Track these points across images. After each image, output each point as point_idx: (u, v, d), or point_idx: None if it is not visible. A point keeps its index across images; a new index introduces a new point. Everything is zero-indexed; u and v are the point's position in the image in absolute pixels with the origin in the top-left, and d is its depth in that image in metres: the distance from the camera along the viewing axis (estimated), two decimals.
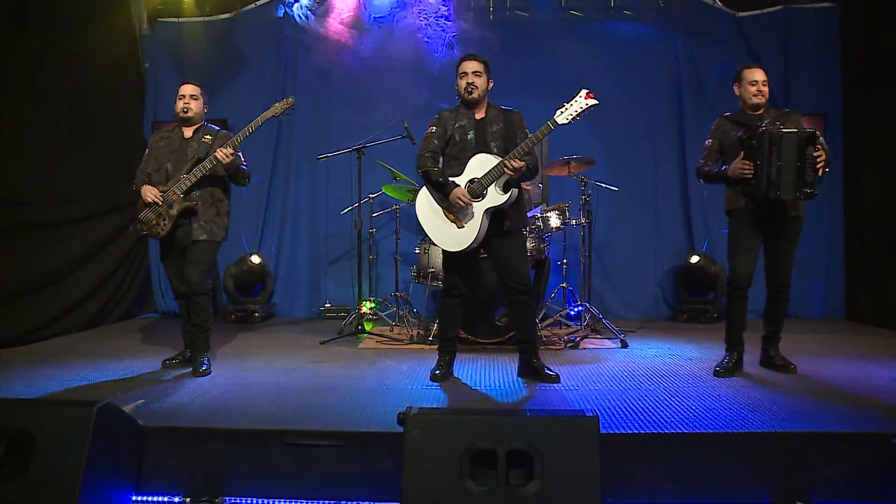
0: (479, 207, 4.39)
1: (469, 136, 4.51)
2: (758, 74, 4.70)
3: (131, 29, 7.85)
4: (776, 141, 4.38)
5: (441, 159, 4.60)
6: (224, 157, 4.63)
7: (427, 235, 4.66)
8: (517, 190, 4.45)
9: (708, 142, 4.88)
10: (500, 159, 4.32)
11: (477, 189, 4.38)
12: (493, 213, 4.44)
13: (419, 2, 7.77)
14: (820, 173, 4.38)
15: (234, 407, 3.97)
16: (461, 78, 4.52)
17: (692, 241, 7.76)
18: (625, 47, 7.80)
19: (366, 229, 6.84)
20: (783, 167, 4.37)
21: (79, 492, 2.88)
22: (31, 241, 6.26)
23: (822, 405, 3.96)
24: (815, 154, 4.35)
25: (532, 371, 4.65)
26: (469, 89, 4.49)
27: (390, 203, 7.01)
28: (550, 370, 4.63)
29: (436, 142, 4.54)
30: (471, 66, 4.50)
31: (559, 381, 4.55)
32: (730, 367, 4.77)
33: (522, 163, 4.28)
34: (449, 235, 4.49)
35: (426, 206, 4.59)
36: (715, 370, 4.78)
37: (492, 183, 4.36)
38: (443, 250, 4.66)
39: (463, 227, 4.42)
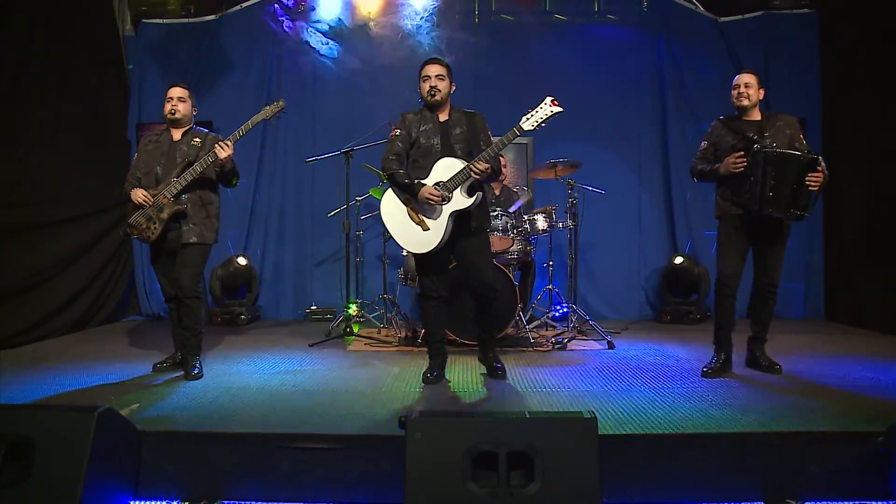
0: (445, 210, 4.46)
1: (434, 140, 4.57)
2: (742, 78, 4.82)
3: (115, 30, 7.82)
4: (771, 160, 4.49)
5: (406, 162, 4.65)
6: (222, 150, 4.63)
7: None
8: (482, 193, 4.54)
9: (703, 143, 4.96)
10: (466, 163, 4.39)
11: (443, 192, 4.44)
12: (459, 216, 4.52)
13: (405, 5, 7.79)
14: (810, 189, 4.46)
15: (230, 410, 3.98)
16: (424, 81, 4.59)
17: (675, 243, 7.86)
18: (609, 51, 7.89)
19: (352, 231, 6.86)
20: (777, 186, 4.48)
21: (80, 497, 2.87)
22: (15, 243, 6.21)
23: (810, 405, 4.03)
24: (813, 177, 4.44)
25: (484, 362, 4.93)
26: (432, 92, 4.55)
27: (377, 205, 6.99)
28: (499, 366, 4.84)
29: (400, 144, 4.60)
30: (433, 69, 4.58)
31: (505, 378, 4.76)
32: (717, 368, 4.83)
33: (488, 165, 4.36)
34: (414, 237, 4.54)
35: (392, 209, 4.65)
36: (703, 371, 4.84)
37: (457, 186, 4.43)
38: (416, 255, 4.71)
39: (428, 229, 4.49)
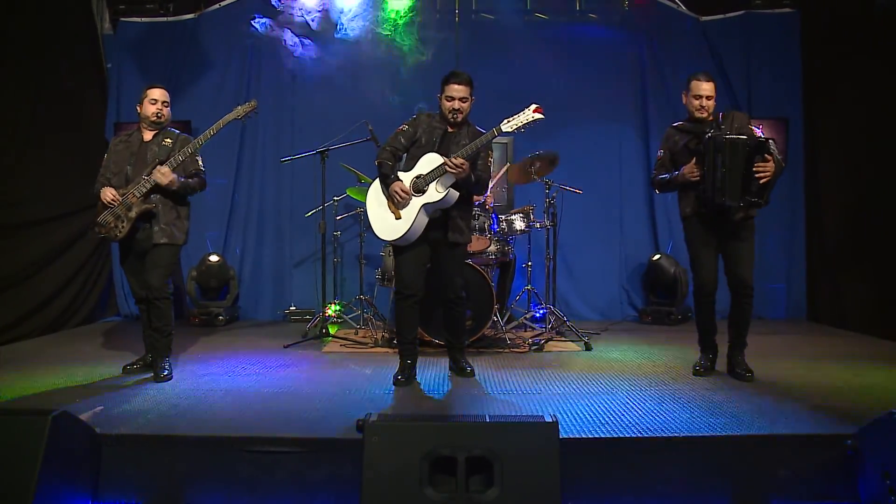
0: (417, 202, 4.53)
1: (434, 140, 4.62)
2: (703, 88, 4.59)
3: (93, 29, 7.75)
4: (721, 147, 4.41)
5: (404, 157, 4.73)
6: (162, 177, 4.60)
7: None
8: (456, 193, 4.54)
9: (660, 153, 4.90)
10: (445, 159, 4.43)
11: (420, 184, 4.53)
12: (440, 219, 4.58)
13: (384, 4, 7.73)
14: (762, 181, 4.37)
15: (195, 413, 3.93)
16: (448, 101, 4.59)
17: (657, 243, 7.83)
18: (590, 50, 7.85)
19: (330, 232, 6.82)
20: (728, 173, 4.39)
21: (31, 501, 2.82)
22: None
23: (781, 407, 4.01)
24: (760, 166, 4.35)
25: (453, 364, 5.00)
26: (454, 115, 4.60)
27: (355, 206, 6.98)
28: (467, 366, 4.93)
29: (402, 140, 4.68)
30: (460, 91, 4.56)
31: (474, 376, 4.86)
32: (709, 367, 4.89)
33: (464, 162, 4.38)
34: (386, 224, 4.62)
35: (374, 195, 4.75)
36: (694, 369, 4.89)
37: (434, 180, 4.49)
38: (394, 253, 4.79)
39: (400, 218, 4.56)
